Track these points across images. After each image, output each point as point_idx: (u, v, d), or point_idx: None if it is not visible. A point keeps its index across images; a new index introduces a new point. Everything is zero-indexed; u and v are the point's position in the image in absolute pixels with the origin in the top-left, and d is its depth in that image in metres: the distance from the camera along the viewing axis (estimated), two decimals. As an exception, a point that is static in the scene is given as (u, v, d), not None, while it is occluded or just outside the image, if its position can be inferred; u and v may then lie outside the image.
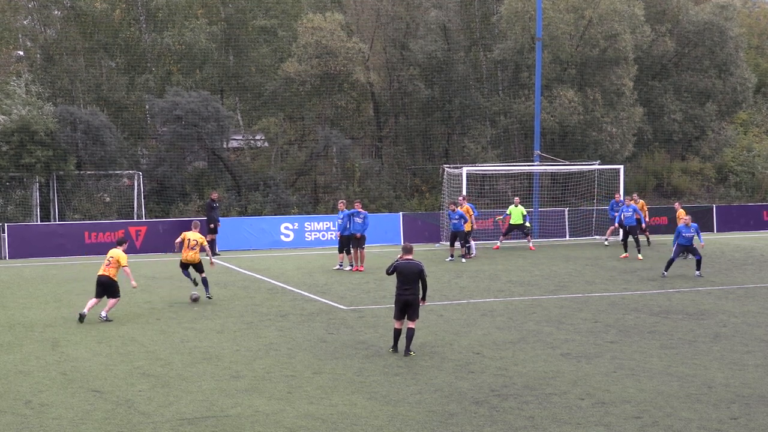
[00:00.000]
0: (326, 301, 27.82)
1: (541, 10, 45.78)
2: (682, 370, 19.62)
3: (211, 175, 47.47)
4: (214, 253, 38.23)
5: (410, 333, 20.60)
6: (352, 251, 34.07)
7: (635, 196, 41.19)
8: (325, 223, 42.04)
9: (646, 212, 41.34)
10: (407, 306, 20.53)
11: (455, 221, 36.45)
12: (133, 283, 24.71)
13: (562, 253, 39.53)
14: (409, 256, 20.70)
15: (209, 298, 27.56)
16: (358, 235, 33.92)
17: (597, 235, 44.59)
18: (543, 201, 46.64)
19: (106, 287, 24.35)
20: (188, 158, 47.97)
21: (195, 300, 27.07)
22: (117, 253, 24.51)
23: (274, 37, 52.62)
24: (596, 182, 45.44)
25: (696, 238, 32.43)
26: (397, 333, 20.76)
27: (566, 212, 45.38)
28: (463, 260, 36.61)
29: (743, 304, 27.52)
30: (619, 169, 44.29)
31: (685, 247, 32.57)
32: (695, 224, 32.67)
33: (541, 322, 24.74)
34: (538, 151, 45.62)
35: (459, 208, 37.05)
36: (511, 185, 49.19)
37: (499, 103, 51.83)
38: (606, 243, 41.93)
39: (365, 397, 17.54)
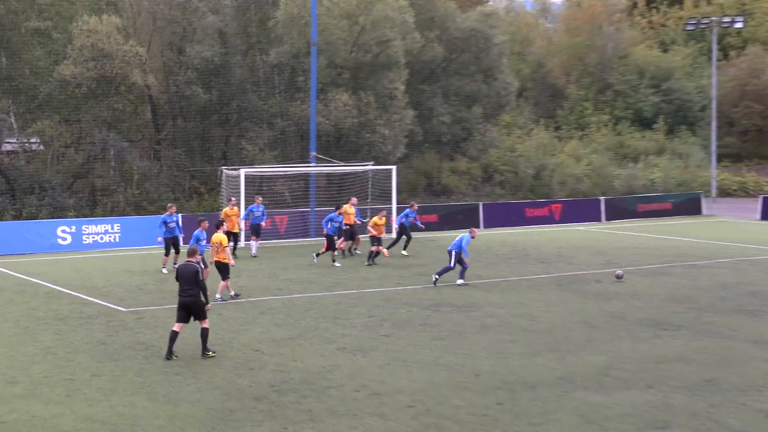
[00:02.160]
0: (105, 303, 27.25)
1: (316, 16, 45.94)
2: (451, 360, 20.20)
3: (-16, 179, 45.60)
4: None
5: (203, 332, 20.50)
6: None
7: (354, 200, 39.38)
8: (103, 225, 40.99)
9: (352, 216, 37.82)
10: (186, 308, 20.35)
11: (329, 226, 34.89)
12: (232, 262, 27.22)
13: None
14: (191, 259, 20.61)
15: None
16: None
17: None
18: (320, 201, 46.88)
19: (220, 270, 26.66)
20: (-41, 162, 45.96)
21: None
22: (218, 237, 26.37)
23: (48, 39, 50.90)
24: (371, 182, 46.05)
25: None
26: (174, 336, 20.46)
27: (341, 211, 45.77)
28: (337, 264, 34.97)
29: (508, 296, 28.51)
30: (391, 169, 44.99)
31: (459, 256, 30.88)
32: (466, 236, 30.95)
33: (318, 318, 24.97)
34: (314, 153, 45.86)
35: (231, 209, 36.78)
36: (288, 186, 49.28)
37: (276, 106, 51.79)
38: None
39: (145, 398, 17.32)
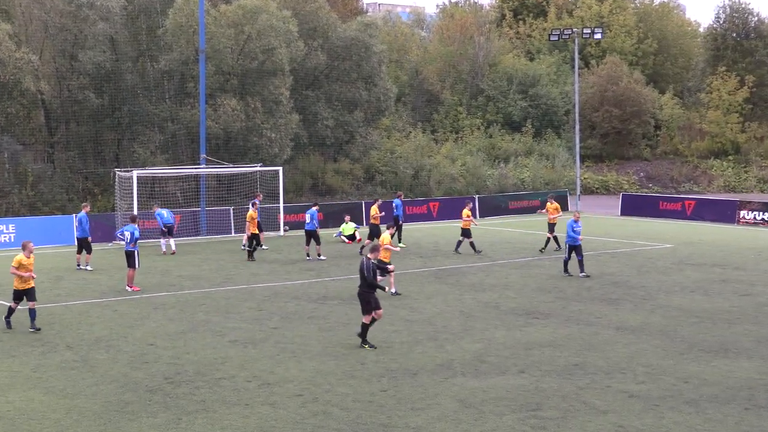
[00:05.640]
0: (1, 302, 26.44)
1: (204, 25, 45.51)
2: (338, 350, 20.16)
3: None
4: None
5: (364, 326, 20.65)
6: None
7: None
8: (-2, 226, 39.93)
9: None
10: (359, 299, 20.73)
11: (308, 222, 35.20)
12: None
13: (228, 248, 39.50)
14: (370, 255, 20.75)
15: None
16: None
17: (266, 231, 44.52)
18: (210, 201, 46.43)
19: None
20: None
21: None
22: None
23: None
24: (258, 183, 45.77)
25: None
26: (364, 326, 20.69)
27: (231, 210, 45.40)
28: (322, 257, 35.16)
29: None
30: (278, 170, 44.82)
31: (573, 247, 30.73)
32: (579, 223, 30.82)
33: (210, 312, 24.69)
34: (204, 155, 45.42)
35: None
36: (180, 187, 48.64)
37: (166, 111, 51.07)
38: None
39: (42, 392, 16.88)
